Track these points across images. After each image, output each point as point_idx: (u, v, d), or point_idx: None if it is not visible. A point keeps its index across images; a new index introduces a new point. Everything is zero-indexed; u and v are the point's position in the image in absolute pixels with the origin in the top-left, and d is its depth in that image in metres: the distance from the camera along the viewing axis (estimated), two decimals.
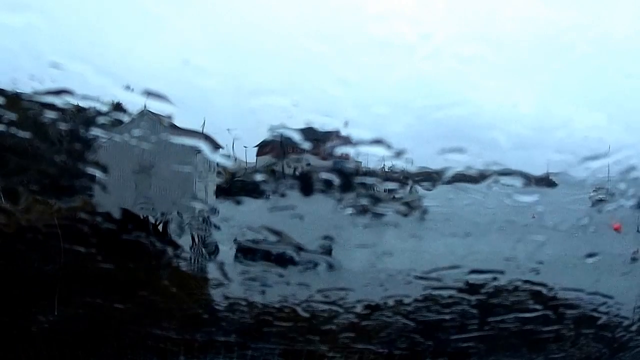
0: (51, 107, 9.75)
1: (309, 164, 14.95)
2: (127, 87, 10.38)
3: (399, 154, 10.91)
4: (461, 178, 11.00)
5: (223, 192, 13.71)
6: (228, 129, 14.03)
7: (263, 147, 16.56)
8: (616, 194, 11.71)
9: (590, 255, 9.38)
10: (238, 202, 13.33)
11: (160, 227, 11.69)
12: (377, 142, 10.34)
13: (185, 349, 7.19)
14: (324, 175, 11.65)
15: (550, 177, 14.36)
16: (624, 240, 12.21)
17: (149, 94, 10.00)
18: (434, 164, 12.57)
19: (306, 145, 11.54)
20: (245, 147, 16.16)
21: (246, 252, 10.40)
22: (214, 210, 12.55)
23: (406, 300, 8.31)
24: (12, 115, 10.09)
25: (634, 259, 10.45)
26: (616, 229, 12.87)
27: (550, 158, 13.94)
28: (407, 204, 13.04)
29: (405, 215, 12.52)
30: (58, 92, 9.29)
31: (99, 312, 7.42)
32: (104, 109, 10.35)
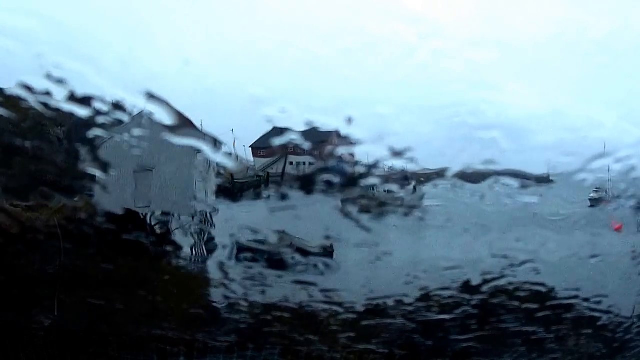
0: (51, 107, 9.75)
1: (309, 164, 14.94)
2: (128, 89, 10.40)
3: (399, 153, 10.90)
4: (462, 178, 10.99)
5: (223, 192, 13.69)
6: (232, 130, 14.06)
7: (264, 147, 16.56)
8: (616, 194, 11.70)
9: (591, 255, 9.38)
10: (238, 202, 13.34)
11: (160, 227, 11.70)
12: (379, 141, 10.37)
13: (185, 349, 7.19)
14: (325, 176, 11.63)
15: (550, 177, 14.34)
16: (625, 240, 12.18)
17: (150, 96, 10.00)
18: (435, 164, 12.56)
19: (307, 145, 11.52)
20: (244, 146, 16.17)
21: (246, 253, 10.39)
22: (214, 210, 12.54)
23: (406, 300, 8.31)
24: (12, 115, 10.11)
25: (634, 259, 10.42)
26: (617, 229, 12.84)
27: (550, 158, 13.92)
28: (407, 203, 13.02)
29: (406, 215, 12.50)
30: (59, 93, 9.29)
31: (99, 312, 7.43)
32: (104, 109, 10.35)
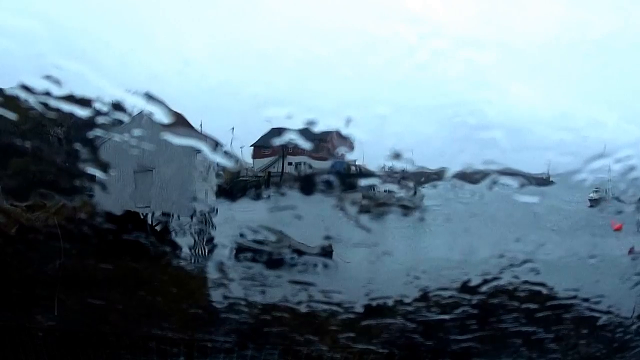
0: (51, 107, 9.76)
1: (309, 164, 14.95)
2: (128, 90, 10.41)
3: (399, 154, 10.92)
4: (461, 178, 10.99)
5: (223, 192, 13.70)
6: (232, 129, 14.08)
7: (263, 147, 16.57)
8: (616, 194, 11.71)
9: (591, 255, 9.38)
10: (238, 202, 13.35)
11: (160, 227, 11.72)
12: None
13: (185, 349, 7.19)
14: (324, 176, 11.64)
15: (550, 177, 14.36)
16: (625, 240, 12.18)
17: (149, 97, 10.02)
18: (435, 164, 12.58)
19: (306, 145, 11.52)
20: (241, 147, 16.20)
21: (246, 253, 10.40)
22: (213, 210, 12.55)
23: (406, 300, 8.31)
24: (12, 115, 10.11)
25: (634, 259, 10.42)
26: (617, 229, 12.86)
27: (550, 158, 13.95)
28: (407, 204, 13.03)
29: (406, 215, 12.51)
30: (59, 93, 9.29)
31: (99, 312, 7.43)
32: (104, 109, 10.36)
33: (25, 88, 9.29)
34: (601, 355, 7.61)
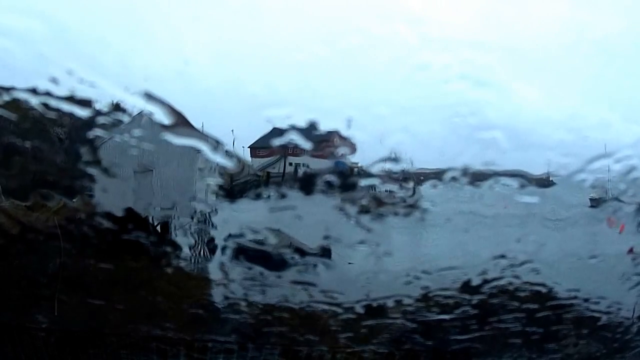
0: (52, 107, 9.76)
1: (309, 165, 14.94)
2: (127, 89, 10.40)
3: (399, 154, 10.91)
4: (461, 178, 10.98)
5: (223, 192, 13.68)
6: (232, 130, 14.08)
7: (263, 148, 16.56)
8: (617, 195, 11.70)
9: (591, 255, 9.38)
10: (238, 203, 13.33)
11: (160, 228, 11.71)
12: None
13: (185, 349, 7.19)
14: (325, 176, 11.63)
15: (550, 178, 14.33)
16: (625, 240, 12.16)
17: (149, 96, 10.00)
18: (435, 164, 12.55)
19: (306, 145, 11.51)
20: (243, 147, 16.19)
21: (246, 253, 10.39)
22: (214, 210, 12.53)
23: (406, 300, 8.32)
24: (12, 115, 10.12)
25: (634, 259, 10.40)
26: (620, 232, 12.82)
27: (550, 158, 13.90)
28: (407, 204, 13.01)
29: (406, 215, 12.49)
30: (59, 93, 9.29)
31: (99, 312, 7.44)
32: (104, 109, 10.36)
33: (26, 88, 9.29)
34: (601, 355, 7.62)
